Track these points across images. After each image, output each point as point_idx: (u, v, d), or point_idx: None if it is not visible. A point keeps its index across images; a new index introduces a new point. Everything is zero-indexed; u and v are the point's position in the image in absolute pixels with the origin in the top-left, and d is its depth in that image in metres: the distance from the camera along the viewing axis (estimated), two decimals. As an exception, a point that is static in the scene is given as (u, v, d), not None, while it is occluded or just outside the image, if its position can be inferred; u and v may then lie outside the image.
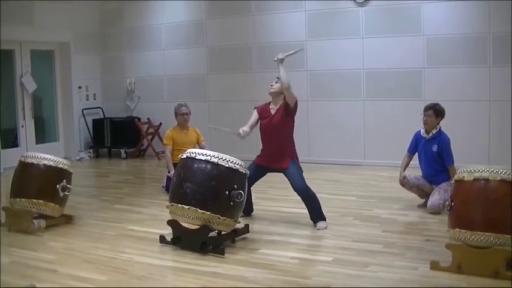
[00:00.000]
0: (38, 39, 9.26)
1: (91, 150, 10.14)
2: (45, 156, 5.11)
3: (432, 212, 5.32)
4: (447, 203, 3.96)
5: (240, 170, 4.37)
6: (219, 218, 4.23)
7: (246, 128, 5.13)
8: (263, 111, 5.19)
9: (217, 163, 4.27)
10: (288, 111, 5.03)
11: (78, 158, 9.74)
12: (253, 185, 5.21)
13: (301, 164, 5.17)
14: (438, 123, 5.54)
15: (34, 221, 4.96)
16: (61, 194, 5.07)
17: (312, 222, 5.00)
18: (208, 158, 4.29)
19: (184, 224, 4.40)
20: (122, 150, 9.89)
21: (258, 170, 5.16)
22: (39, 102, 9.92)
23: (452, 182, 3.96)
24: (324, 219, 5.00)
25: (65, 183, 5.10)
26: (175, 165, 5.22)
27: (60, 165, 5.13)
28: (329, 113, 8.49)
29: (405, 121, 7.31)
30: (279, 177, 5.22)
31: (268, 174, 5.25)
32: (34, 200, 4.94)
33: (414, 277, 3.70)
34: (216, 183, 4.24)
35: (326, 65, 8.43)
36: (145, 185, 7.68)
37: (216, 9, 9.25)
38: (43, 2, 9.14)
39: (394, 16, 7.94)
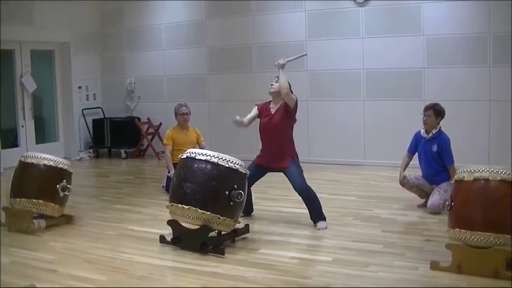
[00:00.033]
0: (38, 39, 9.26)
1: (91, 150, 10.14)
2: (45, 156, 5.11)
3: (432, 212, 5.32)
4: (447, 203, 3.96)
5: (240, 170, 4.37)
6: (219, 218, 4.23)
7: (243, 119, 5.11)
8: (263, 110, 5.19)
9: (217, 163, 4.27)
10: (288, 111, 5.03)
11: (78, 158, 9.74)
12: (253, 185, 5.21)
13: (301, 164, 5.17)
14: (438, 123, 5.54)
15: (34, 221, 4.96)
16: (61, 194, 5.07)
17: (312, 222, 5.00)
18: (208, 158, 4.29)
19: (184, 224, 4.40)
20: (122, 150, 9.89)
21: (258, 170, 5.16)
22: (39, 102, 9.92)
23: (452, 182, 3.96)
24: (324, 219, 5.00)
25: (65, 183, 5.10)
26: (175, 165, 5.22)
27: (60, 165, 5.13)
28: (329, 113, 8.50)
29: (405, 121, 7.31)
30: (279, 177, 5.22)
31: (268, 174, 5.25)
32: (34, 200, 4.94)
33: (414, 277, 3.70)
34: (216, 183, 4.24)
35: (326, 65, 8.43)
36: (145, 185, 7.68)
37: (216, 9, 9.25)
38: (43, 2, 9.14)
39: (394, 16, 7.94)
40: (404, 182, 5.66)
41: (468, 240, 3.65)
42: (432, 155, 5.50)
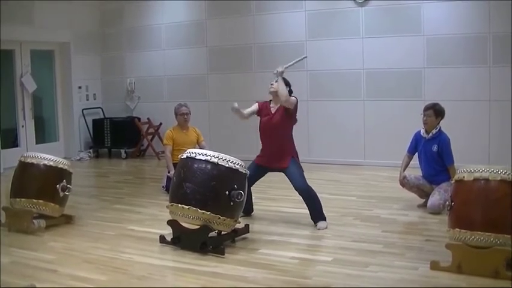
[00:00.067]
0: (38, 39, 9.26)
1: (91, 150, 10.14)
2: (45, 156, 5.11)
3: (432, 212, 5.32)
4: (447, 203, 3.96)
5: (240, 170, 4.37)
6: (219, 218, 4.23)
7: (241, 109, 5.11)
8: (263, 109, 5.19)
9: (217, 163, 4.27)
10: (289, 112, 5.03)
11: (78, 158, 9.74)
12: (253, 185, 5.21)
13: (301, 164, 5.17)
14: (438, 123, 5.54)
15: (34, 221, 4.96)
16: (61, 194, 5.07)
17: (312, 222, 5.00)
18: (208, 158, 4.29)
19: (184, 224, 4.40)
20: (122, 150, 9.89)
21: (258, 170, 5.16)
22: (39, 102, 9.92)
23: (452, 182, 3.96)
24: (325, 219, 5.00)
25: (65, 183, 5.10)
26: (175, 165, 5.22)
27: (61, 165, 5.13)
28: (329, 113, 8.50)
29: (405, 121, 7.31)
30: (279, 177, 5.22)
31: (269, 174, 5.25)
32: (34, 200, 4.94)
33: (414, 277, 3.70)
34: (216, 183, 4.24)
35: (326, 65, 8.43)
36: (145, 185, 7.69)
37: (216, 9, 9.25)
38: (43, 2, 9.14)
39: (394, 16, 7.94)
40: (404, 182, 5.66)
41: (468, 240, 3.65)
42: (432, 155, 5.50)
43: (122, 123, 9.98)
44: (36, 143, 9.45)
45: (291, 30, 8.64)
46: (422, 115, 5.56)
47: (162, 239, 4.55)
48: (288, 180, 5.08)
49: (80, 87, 10.10)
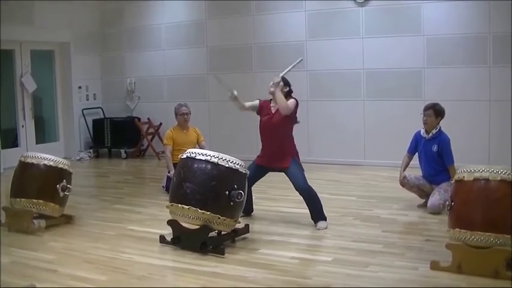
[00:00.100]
0: (38, 39, 9.25)
1: (91, 150, 10.14)
2: (45, 156, 5.11)
3: (432, 212, 5.32)
4: (447, 203, 3.96)
5: (240, 170, 4.37)
6: (219, 218, 4.23)
7: (242, 100, 5.10)
8: (264, 107, 5.19)
9: (217, 163, 4.27)
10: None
11: (78, 158, 9.74)
12: (254, 185, 5.21)
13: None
14: (438, 123, 5.53)
15: (34, 221, 4.96)
16: (61, 194, 5.07)
17: (312, 222, 5.00)
18: (208, 158, 4.29)
19: (184, 224, 4.40)
20: (122, 150, 9.89)
21: (259, 170, 5.16)
22: (39, 102, 9.92)
23: (452, 182, 3.96)
24: (325, 219, 5.00)
25: (65, 183, 5.10)
26: (175, 165, 5.22)
27: (61, 165, 5.13)
28: (329, 113, 8.49)
29: (405, 121, 7.30)
30: (279, 177, 5.22)
31: (269, 174, 5.25)
32: (34, 200, 4.94)
33: (414, 277, 3.70)
34: (216, 183, 4.24)
35: (326, 65, 8.43)
36: (145, 185, 7.69)
37: (216, 9, 9.25)
38: (43, 2, 9.14)
39: (394, 16, 7.94)
40: (404, 182, 5.66)
41: (468, 240, 3.65)
42: (433, 155, 5.50)
43: (122, 123, 9.98)
44: (36, 143, 9.45)
45: (291, 30, 8.64)
46: (422, 115, 5.56)
47: (162, 239, 4.55)
48: (289, 180, 5.07)
49: (80, 87, 10.10)
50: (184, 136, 6.62)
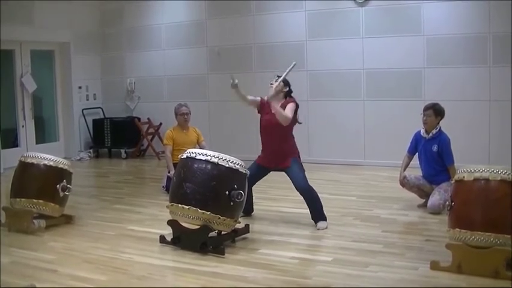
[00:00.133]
0: (38, 39, 9.25)
1: (91, 150, 10.14)
2: (46, 156, 5.11)
3: (432, 212, 5.32)
4: (447, 203, 3.96)
5: (240, 170, 4.37)
6: (219, 218, 4.23)
7: (244, 92, 5.08)
8: (264, 106, 5.18)
9: (217, 163, 4.27)
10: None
11: (78, 158, 9.74)
12: (254, 185, 5.21)
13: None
14: (438, 123, 5.53)
15: (34, 221, 4.96)
16: (61, 194, 5.07)
17: (312, 222, 5.00)
18: (208, 158, 4.29)
19: (184, 224, 4.40)
20: (122, 150, 9.89)
21: (259, 170, 5.16)
22: (39, 102, 9.92)
23: (452, 182, 3.96)
24: (325, 219, 4.99)
25: (65, 183, 5.10)
26: (175, 165, 5.22)
27: (61, 165, 5.13)
28: (329, 113, 8.49)
29: (405, 121, 7.30)
30: (280, 177, 5.22)
31: (269, 173, 5.25)
32: (34, 200, 4.94)
33: (414, 277, 3.70)
34: (216, 183, 4.24)
35: (326, 65, 8.43)
36: (145, 185, 7.69)
37: (216, 9, 9.25)
38: (43, 2, 9.14)
39: (394, 16, 7.93)
40: (404, 182, 5.66)
41: (468, 240, 3.65)
42: (433, 155, 5.50)
43: (122, 123, 9.98)
44: (37, 143, 9.45)
45: (291, 30, 8.64)
46: (422, 115, 5.56)
47: (162, 239, 4.55)
48: (289, 180, 5.08)
49: (80, 87, 10.10)
50: (184, 136, 6.62)
